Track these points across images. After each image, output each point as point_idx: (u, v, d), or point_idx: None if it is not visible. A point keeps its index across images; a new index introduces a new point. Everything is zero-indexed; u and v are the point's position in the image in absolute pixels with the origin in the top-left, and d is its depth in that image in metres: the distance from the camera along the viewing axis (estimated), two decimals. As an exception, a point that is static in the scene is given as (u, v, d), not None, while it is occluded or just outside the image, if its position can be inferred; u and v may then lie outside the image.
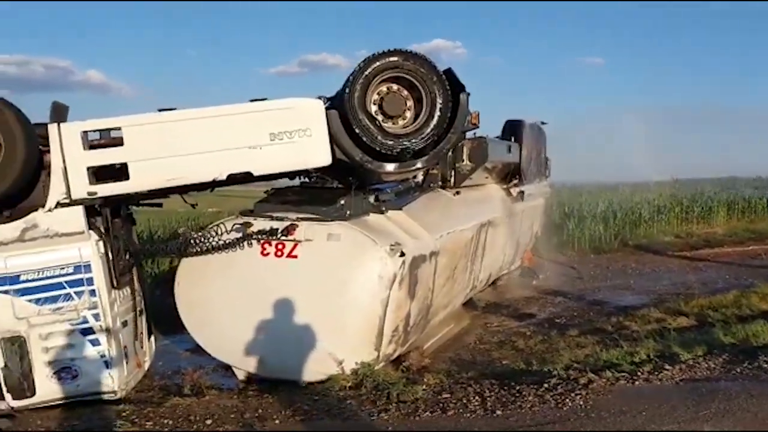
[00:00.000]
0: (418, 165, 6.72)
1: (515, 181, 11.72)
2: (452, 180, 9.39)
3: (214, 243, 6.70)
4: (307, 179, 7.86)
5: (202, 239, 6.76)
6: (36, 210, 6.33)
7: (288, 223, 6.51)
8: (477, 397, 5.51)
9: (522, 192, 11.75)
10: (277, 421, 5.32)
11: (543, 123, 13.82)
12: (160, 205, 7.52)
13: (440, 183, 9.31)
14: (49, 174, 6.47)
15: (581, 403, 5.13)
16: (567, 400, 5.22)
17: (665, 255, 16.39)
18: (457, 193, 9.33)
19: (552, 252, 15.37)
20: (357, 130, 6.33)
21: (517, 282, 12.75)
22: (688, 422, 4.62)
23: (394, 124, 6.62)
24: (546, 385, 5.65)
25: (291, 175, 7.04)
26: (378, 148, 6.42)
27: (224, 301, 6.75)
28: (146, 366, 7.25)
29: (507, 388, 5.68)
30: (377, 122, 6.42)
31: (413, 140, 6.46)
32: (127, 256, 6.78)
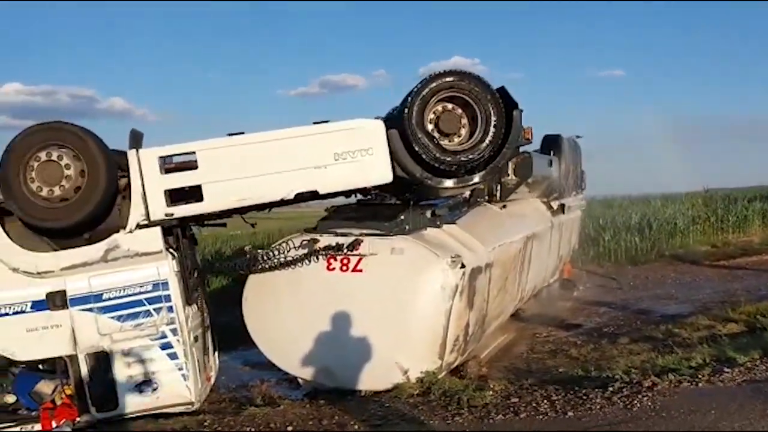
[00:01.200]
0: (476, 180, 6.99)
1: (555, 195, 11.93)
2: (498, 194, 9.62)
3: (281, 259, 7.02)
4: (362, 196, 8.16)
5: (270, 256, 7.09)
6: (115, 232, 6.73)
7: (353, 238, 6.81)
8: (545, 401, 5.72)
9: (563, 205, 11.95)
10: (356, 427, 5.56)
11: (578, 137, 14.02)
12: (224, 225, 7.88)
13: (486, 197, 9.55)
14: (124, 197, 6.89)
15: (649, 404, 5.32)
16: (635, 401, 5.40)
17: (703, 265, 16.38)
18: (504, 206, 9.58)
19: (589, 263, 15.50)
20: (417, 148, 6.64)
21: (558, 293, 12.89)
22: (758, 419, 4.78)
23: (449, 141, 6.92)
24: (611, 389, 5.83)
25: (353, 192, 7.34)
26: (437, 165, 6.72)
27: (291, 315, 7.05)
28: (213, 380, 7.56)
29: (573, 393, 5.88)
30: (435, 140, 6.73)
31: (470, 156, 6.76)
32: (195, 274, 7.13)
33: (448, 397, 6.05)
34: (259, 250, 7.29)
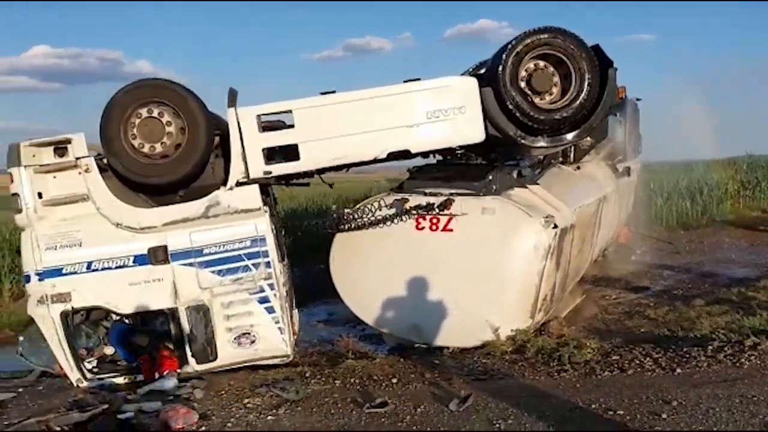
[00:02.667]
0: (569, 139, 6.95)
1: (620, 157, 11.80)
2: (572, 155, 9.58)
3: (369, 219, 7.09)
4: (441, 157, 8.16)
5: (357, 215, 7.17)
6: (208, 189, 6.86)
7: (444, 198, 6.85)
8: (647, 359, 5.78)
9: (628, 168, 11.84)
10: (460, 380, 5.68)
11: (638, 99, 13.78)
12: (307, 184, 7.98)
13: (560, 159, 9.52)
14: (217, 156, 7.00)
15: (758, 362, 5.35)
16: (742, 360, 5.44)
17: (757, 230, 16.17)
18: (578, 168, 9.53)
19: (642, 228, 15.37)
20: (510, 106, 6.60)
21: (617, 256, 12.84)
22: None
23: (540, 99, 6.87)
24: (710, 348, 5.86)
25: (443, 152, 7.35)
26: (530, 124, 6.69)
27: (379, 273, 7.15)
28: (297, 334, 7.73)
29: (672, 351, 5.93)
30: (529, 98, 6.69)
31: (564, 115, 6.72)
32: (282, 231, 7.24)
33: (545, 355, 6.12)
34: (345, 210, 7.35)
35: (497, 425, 4.60)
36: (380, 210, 7.10)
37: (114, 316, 7.26)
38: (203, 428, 5.08)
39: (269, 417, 5.17)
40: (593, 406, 4.79)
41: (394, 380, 5.83)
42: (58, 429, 5.34)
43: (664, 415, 4.49)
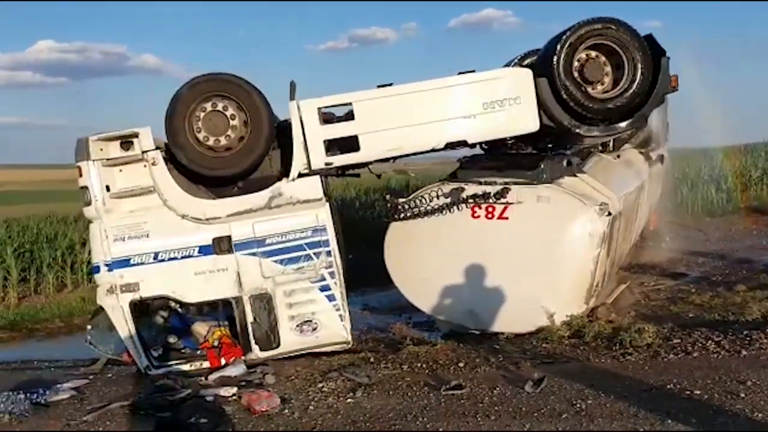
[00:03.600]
0: (623, 127, 7.08)
1: (653, 145, 11.88)
2: (611, 144, 9.68)
3: (425, 207, 7.24)
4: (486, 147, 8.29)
5: (413, 204, 7.31)
6: (265, 181, 7.03)
7: (500, 187, 6.98)
8: (709, 342, 5.92)
9: (662, 156, 11.92)
10: (527, 364, 5.85)
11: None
12: (357, 175, 8.14)
13: (600, 147, 9.61)
14: (273, 148, 7.15)
15: (823, 344, 5.47)
16: (806, 342, 5.57)
17: (785, 217, 16.20)
18: (618, 156, 9.64)
19: (670, 215, 15.43)
20: (565, 96, 6.73)
21: (648, 244, 12.93)
22: None
23: (592, 89, 6.99)
24: (769, 331, 5.99)
25: (500, 142, 7.48)
26: (584, 113, 6.82)
27: (434, 261, 7.30)
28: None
29: (731, 334, 6.06)
30: (583, 87, 6.82)
31: (618, 104, 6.84)
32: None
33: (604, 339, 6.26)
34: (399, 199, 7.49)
35: (578, 405, 4.75)
36: (436, 199, 7.23)
37: (172, 306, 7.47)
38: (286, 411, 5.23)
39: (349, 400, 5.33)
40: (668, 386, 4.94)
41: (461, 364, 5.99)
42: (143, 412, 5.52)
43: (741, 395, 4.63)
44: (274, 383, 6.01)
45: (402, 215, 7.41)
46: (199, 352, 7.13)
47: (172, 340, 7.31)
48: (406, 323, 8.33)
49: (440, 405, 5.02)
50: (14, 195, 47.44)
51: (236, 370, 6.44)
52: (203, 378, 6.36)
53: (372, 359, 6.47)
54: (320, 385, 5.77)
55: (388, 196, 7.69)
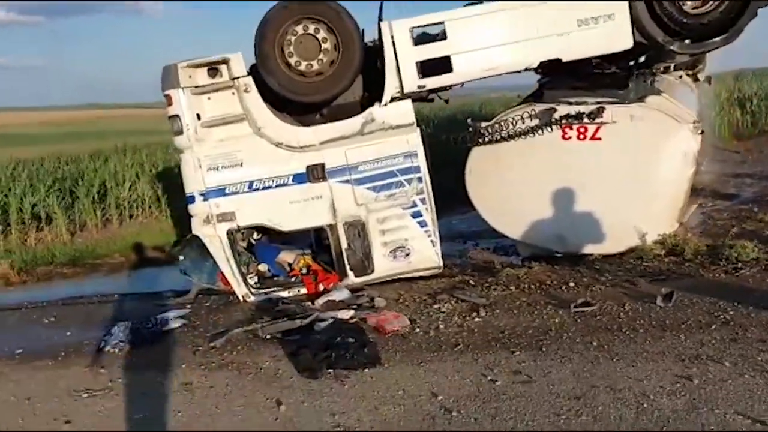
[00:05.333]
0: (717, 42, 6.95)
1: (700, 67, 11.74)
2: (672, 66, 9.55)
3: (511, 131, 7.16)
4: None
5: (496, 128, 7.23)
6: (348, 108, 6.93)
7: (594, 106, 6.90)
8: (820, 256, 5.99)
9: (709, 77, 11.80)
10: (642, 281, 5.90)
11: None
12: (446, 101, 8.01)
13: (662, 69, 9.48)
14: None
15: None
16: None
17: (810, 138, 16.24)
18: (681, 77, 9.55)
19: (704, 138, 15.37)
20: (659, 12, 6.58)
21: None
22: None
23: (686, 4, 6.82)
24: None
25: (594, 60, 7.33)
26: (678, 29, 6.69)
27: (520, 184, 7.27)
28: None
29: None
30: (677, 3, 6.66)
31: (711, 19, 6.70)
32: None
33: (705, 256, 6.34)
34: (482, 123, 7.40)
35: (721, 316, 4.85)
36: (523, 121, 7.14)
37: (255, 236, 7.48)
38: (417, 330, 5.31)
39: (476, 319, 5.41)
40: (804, 297, 5.03)
41: (571, 284, 6.06)
42: (267, 337, 5.58)
43: None
44: (385, 306, 6.04)
45: (485, 139, 7.32)
46: (293, 279, 7.16)
47: (262, 268, 7.34)
48: (479, 249, 8.33)
49: (576, 322, 5.10)
50: (3, 138, 46.61)
51: (341, 295, 6.50)
52: (310, 303, 6.39)
53: (472, 282, 6.51)
54: (435, 306, 5.82)
55: (469, 120, 7.58)
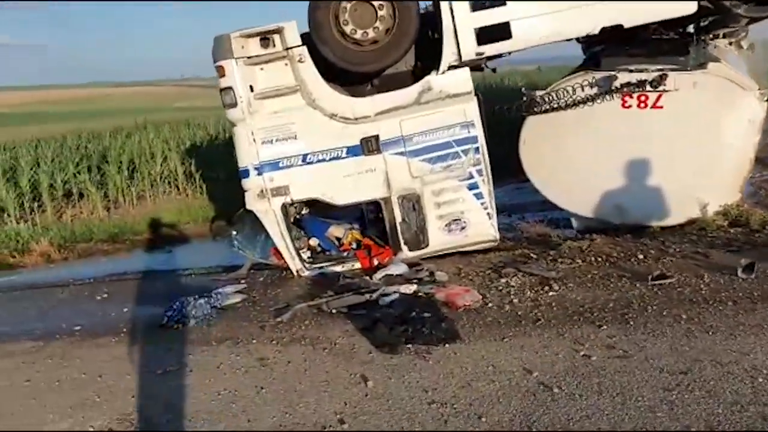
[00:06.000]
0: (789, 5, 6.68)
1: (743, 34, 11.42)
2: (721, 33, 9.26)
3: (569, 99, 6.95)
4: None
5: (552, 97, 7.02)
6: (401, 78, 6.74)
7: (657, 74, 6.66)
8: None
9: (752, 44, 11.47)
10: (714, 252, 5.73)
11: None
12: (493, 69, 7.79)
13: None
14: (411, 42, 6.77)
15: None
16: None
17: None
18: (730, 44, 9.27)
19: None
20: None
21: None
22: None
23: (746, -35, 6.55)
24: None
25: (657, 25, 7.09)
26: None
27: (576, 155, 7.08)
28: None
29: None
30: (741, -35, 6.39)
31: (780, -19, 6.43)
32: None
33: (771, 226, 6.16)
34: (537, 92, 7.20)
35: (811, 287, 4.69)
36: (581, 90, 6.93)
37: (304, 210, 7.36)
38: (490, 305, 5.18)
39: (550, 293, 5.27)
40: None
41: (640, 256, 5.90)
42: (333, 312, 5.48)
43: None
44: (447, 280, 5.91)
45: (540, 109, 7.12)
46: (346, 254, 7.05)
47: (313, 242, 7.23)
48: (531, 222, 8.15)
49: (657, 294, 4.96)
50: (4, 117, 46.52)
51: (399, 269, 6.38)
52: (368, 278, 6.27)
53: (533, 256, 6.36)
54: (503, 281, 5.69)
55: (523, 89, 7.38)
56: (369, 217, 7.68)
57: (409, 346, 4.52)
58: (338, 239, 7.41)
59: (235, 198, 10.63)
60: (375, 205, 6.97)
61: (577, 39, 7.37)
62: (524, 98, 7.31)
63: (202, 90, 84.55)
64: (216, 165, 12.33)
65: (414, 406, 3.69)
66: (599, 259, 5.97)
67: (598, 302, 4.96)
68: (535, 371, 3.94)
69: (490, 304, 5.19)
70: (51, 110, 55.00)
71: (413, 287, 5.76)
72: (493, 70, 7.79)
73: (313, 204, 7.04)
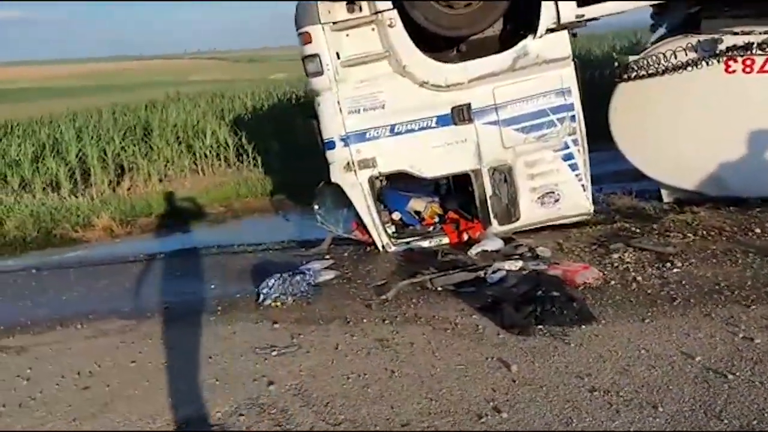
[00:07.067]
0: None
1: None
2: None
3: (667, 65, 6.55)
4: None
5: (647, 62, 6.63)
6: (484, 47, 6.40)
7: (766, 36, 6.25)
8: None
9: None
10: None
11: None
12: (574, 35, 7.38)
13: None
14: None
15: None
16: None
17: None
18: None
19: None
20: None
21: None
22: None
23: None
24: None
25: None
26: None
27: (672, 123, 6.70)
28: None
29: None
30: None
31: None
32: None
33: None
34: (630, 57, 6.80)
35: None
36: (681, 54, 6.53)
37: (382, 182, 7.08)
38: (613, 282, 4.90)
39: (674, 270, 4.98)
40: None
41: (757, 230, 5.58)
42: (439, 289, 5.23)
43: None
44: (551, 256, 5.63)
45: (633, 75, 6.74)
46: (432, 228, 6.79)
47: (396, 217, 6.98)
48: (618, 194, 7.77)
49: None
50: (29, 91, 46.57)
51: (494, 245, 6.11)
52: (464, 254, 6.01)
53: (634, 229, 6.05)
54: (615, 256, 5.39)
55: (616, 55, 6.99)
56: (443, 189, 7.43)
57: (541, 327, 4.24)
58: (418, 213, 7.14)
59: (292, 171, 10.48)
60: (452, 177, 6.69)
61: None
62: (616, 63, 6.94)
63: (217, 63, 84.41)
64: (265, 137, 12.07)
65: (573, 394, 3.44)
66: (712, 234, 5.66)
67: (732, 280, 4.66)
68: (696, 356, 3.67)
69: (612, 282, 4.91)
70: (76, 84, 55.00)
71: (519, 263, 5.47)
72: (574, 35, 7.35)
73: (390, 176, 6.75)
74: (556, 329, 4.19)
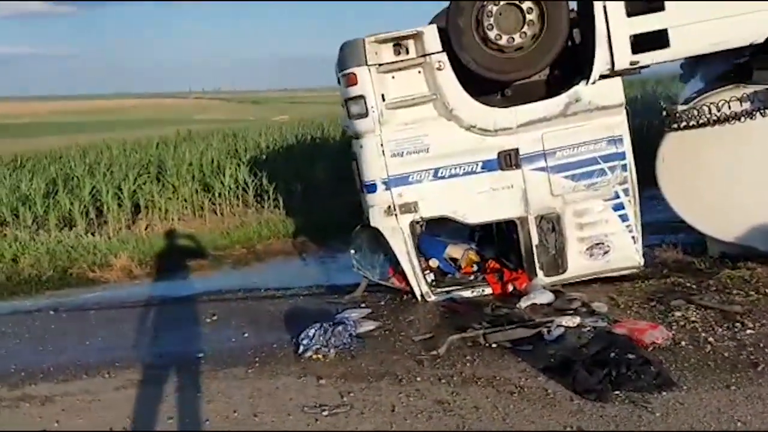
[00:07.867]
0: None
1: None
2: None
3: (717, 115, 6.37)
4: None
5: (696, 112, 6.44)
6: (537, 89, 6.23)
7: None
8: None
9: None
10: None
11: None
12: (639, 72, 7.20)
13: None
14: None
15: None
16: None
17: None
18: None
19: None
20: None
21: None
22: None
23: None
24: None
25: None
26: None
27: (723, 174, 6.49)
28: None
29: None
30: None
31: None
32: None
33: None
34: (677, 106, 6.62)
35: None
36: (732, 104, 6.35)
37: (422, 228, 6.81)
38: (683, 343, 4.59)
39: (747, 331, 4.67)
40: None
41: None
42: (494, 346, 4.92)
43: None
44: (607, 311, 5.32)
45: (681, 125, 6.54)
46: (474, 278, 6.51)
47: (433, 264, 6.69)
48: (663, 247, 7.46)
49: None
50: (34, 127, 46.68)
51: (544, 298, 5.82)
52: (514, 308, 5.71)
53: (689, 284, 5.77)
54: (678, 314, 5.09)
55: (663, 103, 6.81)
56: (477, 235, 7.17)
57: (617, 392, 3.91)
58: (455, 260, 6.87)
59: (313, 212, 10.25)
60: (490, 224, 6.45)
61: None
62: (665, 112, 6.75)
63: (222, 103, 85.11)
64: (284, 177, 11.84)
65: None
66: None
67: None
68: (801, 430, 3.34)
69: (682, 343, 4.60)
70: (80, 120, 55.31)
71: (576, 320, 5.16)
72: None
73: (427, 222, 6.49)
74: (635, 395, 3.86)
